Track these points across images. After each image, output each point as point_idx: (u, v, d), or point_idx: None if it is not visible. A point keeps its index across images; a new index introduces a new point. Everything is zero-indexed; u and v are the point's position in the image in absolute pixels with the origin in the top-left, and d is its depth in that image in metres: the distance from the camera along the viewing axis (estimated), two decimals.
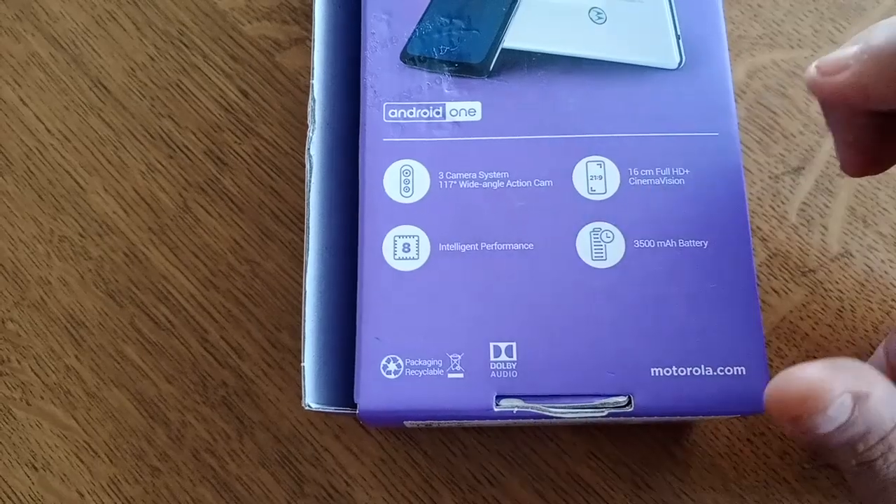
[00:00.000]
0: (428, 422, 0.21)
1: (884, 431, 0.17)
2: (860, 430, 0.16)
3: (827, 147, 0.27)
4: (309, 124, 0.22)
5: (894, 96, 0.16)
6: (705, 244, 0.21)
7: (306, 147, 0.22)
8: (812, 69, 0.18)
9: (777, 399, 0.16)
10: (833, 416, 0.16)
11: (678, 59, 0.23)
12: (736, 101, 0.28)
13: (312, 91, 0.23)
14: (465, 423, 0.22)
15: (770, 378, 0.20)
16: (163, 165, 0.29)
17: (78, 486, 0.26)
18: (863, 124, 0.19)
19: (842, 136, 0.20)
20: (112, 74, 0.30)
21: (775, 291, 0.26)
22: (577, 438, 0.25)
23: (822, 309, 0.26)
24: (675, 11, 0.23)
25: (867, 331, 0.26)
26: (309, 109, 0.23)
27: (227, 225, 0.28)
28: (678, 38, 0.23)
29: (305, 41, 0.30)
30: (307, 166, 0.22)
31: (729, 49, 0.28)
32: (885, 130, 0.19)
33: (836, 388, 0.16)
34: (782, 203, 0.27)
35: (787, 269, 0.26)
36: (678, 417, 0.21)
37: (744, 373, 0.20)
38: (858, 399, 0.16)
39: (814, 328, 0.26)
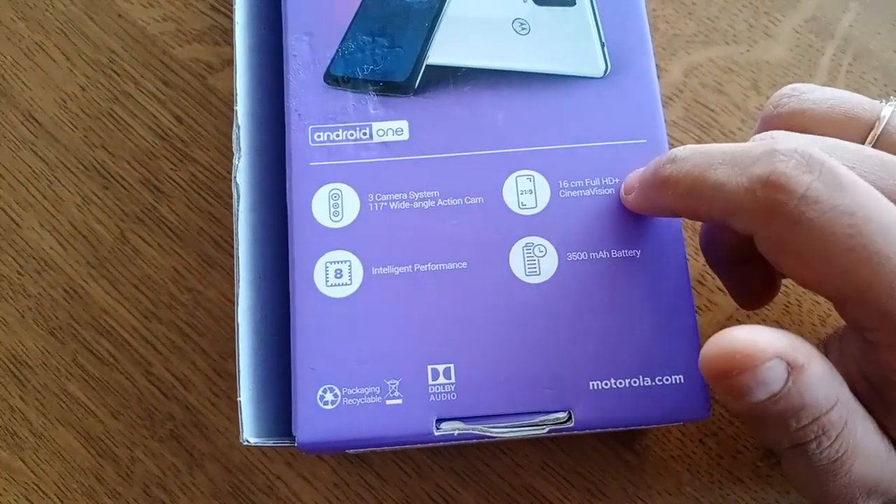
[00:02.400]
0: (370, 449, 0.21)
1: (818, 412, 0.16)
2: (794, 403, 0.16)
3: None
4: (234, 152, 0.22)
5: (660, 212, 0.20)
6: (638, 253, 0.21)
7: (233, 175, 0.22)
8: (622, 187, 0.22)
9: (708, 354, 0.16)
10: (765, 382, 0.16)
11: (604, 67, 0.22)
12: (673, 100, 0.28)
13: (236, 117, 0.22)
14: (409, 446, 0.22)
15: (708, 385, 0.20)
16: (98, 197, 0.28)
17: None
18: (729, 271, 0.22)
19: (723, 280, 0.23)
20: (43, 107, 0.29)
21: (721, 290, 0.26)
22: (530, 450, 0.25)
23: (769, 305, 0.26)
24: (598, 19, 0.23)
25: (814, 325, 0.26)
26: (234, 136, 0.22)
27: (167, 254, 0.27)
28: (603, 45, 0.23)
29: None
30: (234, 195, 0.22)
31: (664, 48, 0.28)
32: (746, 274, 0.22)
33: (766, 349, 0.16)
34: None
35: None
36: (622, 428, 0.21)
37: (682, 381, 0.20)
38: (793, 370, 0.16)
39: (761, 325, 0.26)
